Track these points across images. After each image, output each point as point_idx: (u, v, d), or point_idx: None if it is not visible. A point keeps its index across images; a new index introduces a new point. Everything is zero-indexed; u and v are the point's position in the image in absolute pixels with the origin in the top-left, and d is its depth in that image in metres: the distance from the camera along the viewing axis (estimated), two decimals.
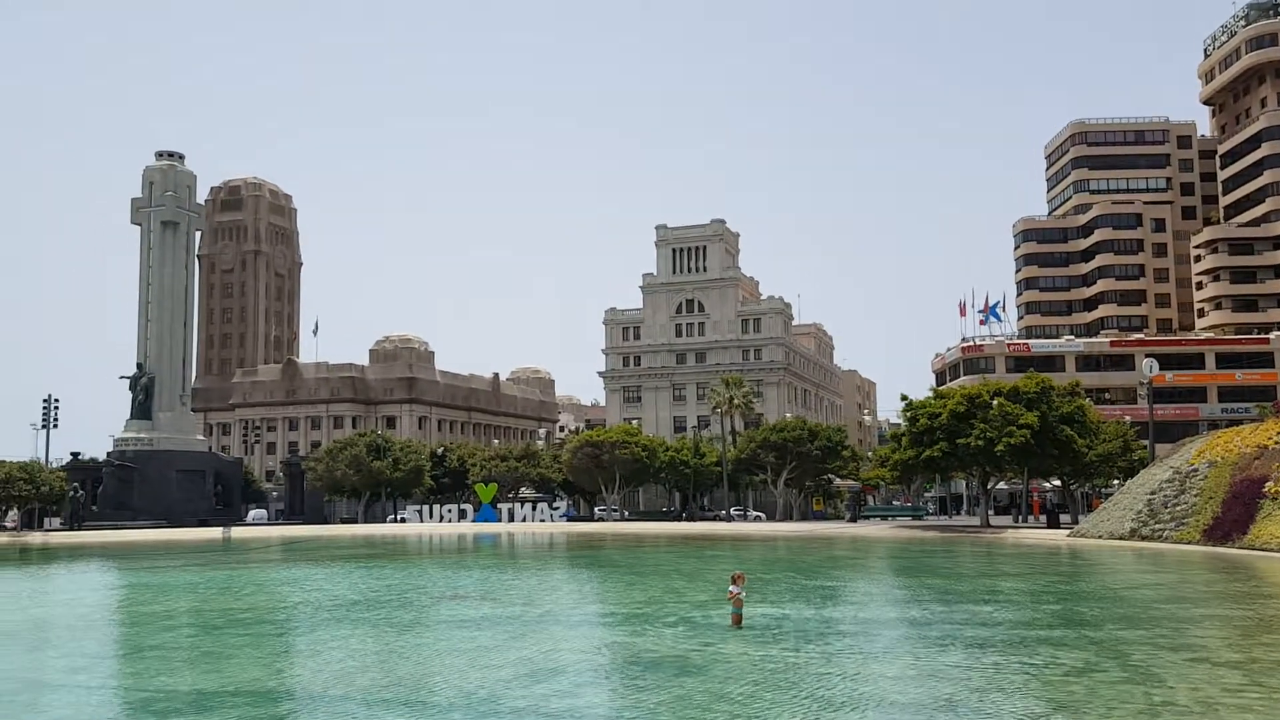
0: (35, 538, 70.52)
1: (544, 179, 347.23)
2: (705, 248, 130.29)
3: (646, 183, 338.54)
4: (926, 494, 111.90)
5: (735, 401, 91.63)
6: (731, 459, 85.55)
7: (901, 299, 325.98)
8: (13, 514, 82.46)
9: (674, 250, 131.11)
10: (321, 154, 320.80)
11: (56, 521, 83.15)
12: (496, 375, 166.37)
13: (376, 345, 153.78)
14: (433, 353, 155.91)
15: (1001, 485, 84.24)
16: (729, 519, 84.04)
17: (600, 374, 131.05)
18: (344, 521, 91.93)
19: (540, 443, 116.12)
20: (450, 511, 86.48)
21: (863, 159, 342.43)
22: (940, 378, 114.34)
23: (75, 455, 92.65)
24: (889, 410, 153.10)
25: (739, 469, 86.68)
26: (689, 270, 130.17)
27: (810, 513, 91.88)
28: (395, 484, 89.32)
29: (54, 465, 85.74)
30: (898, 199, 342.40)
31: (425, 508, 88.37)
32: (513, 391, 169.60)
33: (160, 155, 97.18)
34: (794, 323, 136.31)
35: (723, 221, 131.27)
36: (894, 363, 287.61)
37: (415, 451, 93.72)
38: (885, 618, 22.58)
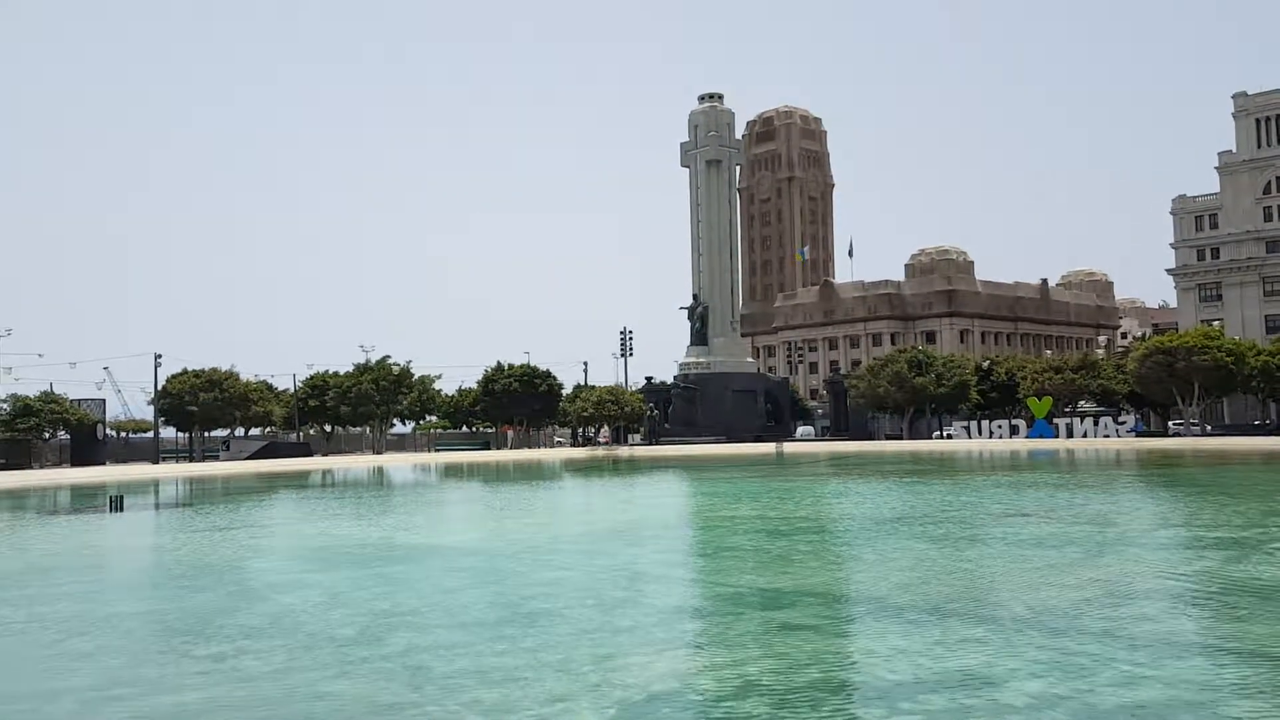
0: (623, 451, 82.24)
1: (1091, 55, 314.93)
2: None
3: (1219, 45, 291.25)
4: None
5: None
6: None
7: None
8: (605, 431, 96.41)
9: (1258, 121, 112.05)
10: (847, 72, 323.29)
11: (637, 437, 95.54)
12: (1044, 281, 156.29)
13: (912, 259, 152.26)
14: (972, 262, 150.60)
15: None
16: None
17: (1169, 272, 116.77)
18: (888, 438, 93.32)
19: (1099, 352, 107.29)
20: (1000, 427, 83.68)
21: None
22: None
23: (649, 379, 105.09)
24: None
25: None
26: (1279, 143, 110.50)
27: None
28: (938, 400, 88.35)
29: (632, 389, 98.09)
30: None
31: (972, 423, 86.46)
32: (1064, 298, 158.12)
33: (702, 99, 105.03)
34: None
35: None
36: None
37: (958, 366, 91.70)
38: None
